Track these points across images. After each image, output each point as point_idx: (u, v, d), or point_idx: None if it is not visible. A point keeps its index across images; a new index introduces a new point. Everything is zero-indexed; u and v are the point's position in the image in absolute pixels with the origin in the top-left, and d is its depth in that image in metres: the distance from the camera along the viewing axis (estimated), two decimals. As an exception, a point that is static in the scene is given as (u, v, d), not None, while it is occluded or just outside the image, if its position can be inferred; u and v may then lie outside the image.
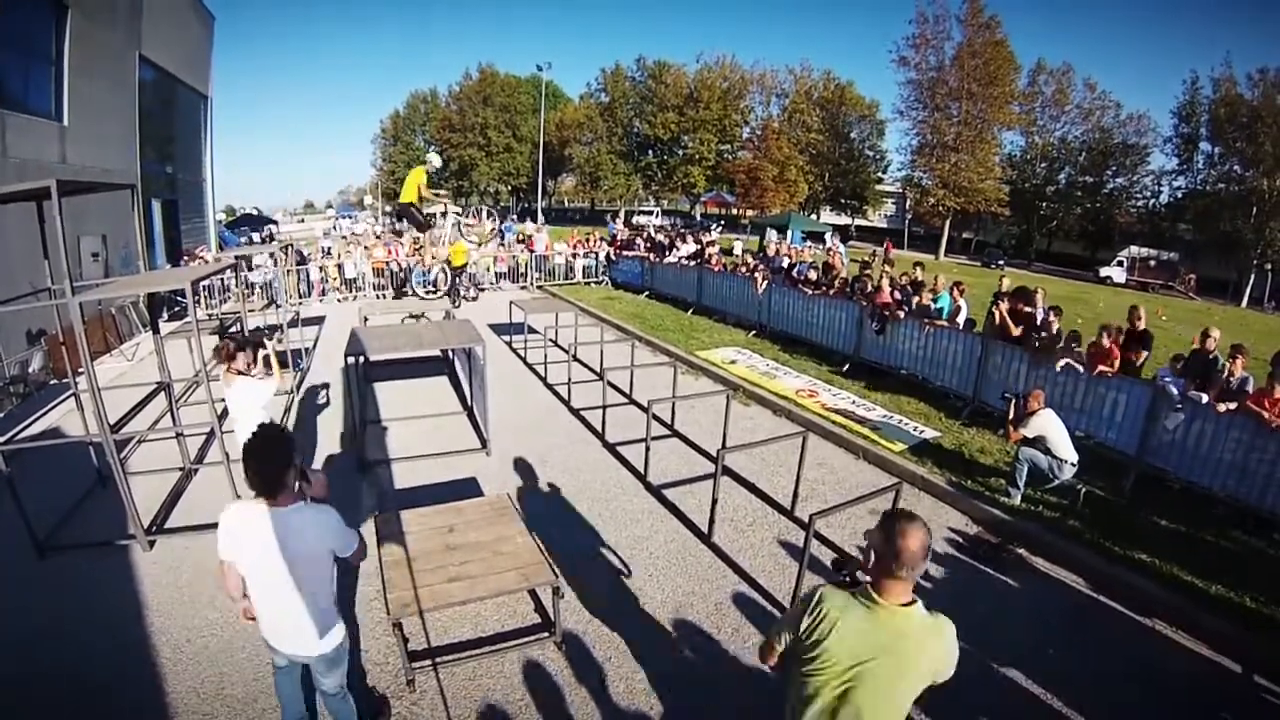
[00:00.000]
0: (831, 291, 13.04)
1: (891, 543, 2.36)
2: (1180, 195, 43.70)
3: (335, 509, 3.30)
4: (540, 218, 42.68)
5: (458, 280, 16.24)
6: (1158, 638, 5.26)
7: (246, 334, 8.96)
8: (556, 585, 4.59)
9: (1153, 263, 40.82)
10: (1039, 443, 7.11)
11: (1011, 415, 7.46)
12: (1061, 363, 8.40)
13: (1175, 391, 7.62)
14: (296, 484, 3.21)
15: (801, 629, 2.53)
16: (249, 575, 3.17)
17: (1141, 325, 9.14)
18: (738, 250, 23.94)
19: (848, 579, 2.85)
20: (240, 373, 6.24)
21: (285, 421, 9.25)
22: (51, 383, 10.78)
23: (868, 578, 2.58)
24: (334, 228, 50.73)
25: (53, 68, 13.30)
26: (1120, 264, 40.41)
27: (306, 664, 3.48)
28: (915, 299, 11.57)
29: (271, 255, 17.57)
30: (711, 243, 22.46)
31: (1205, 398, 7.44)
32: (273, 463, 3.10)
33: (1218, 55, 68.94)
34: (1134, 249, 42.16)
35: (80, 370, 5.97)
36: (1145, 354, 9.04)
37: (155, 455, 7.92)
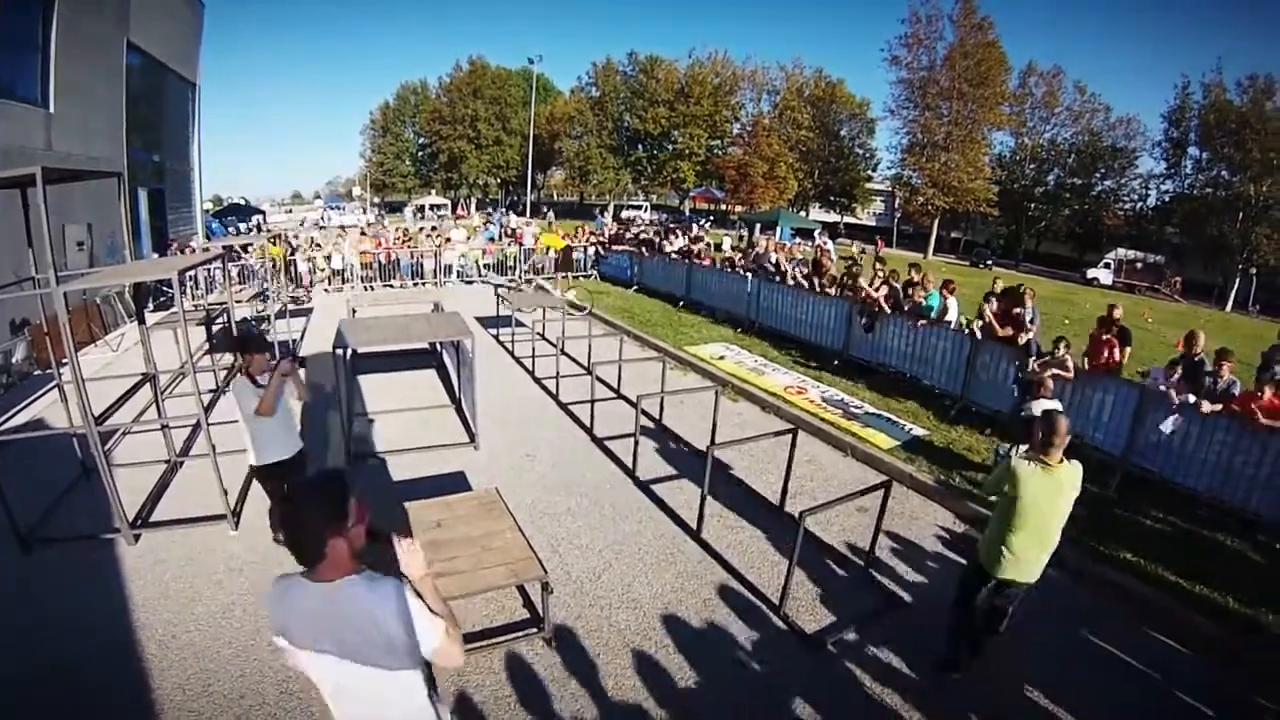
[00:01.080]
0: (823, 289, 13.02)
1: (1053, 430, 4.10)
2: (1168, 199, 43.92)
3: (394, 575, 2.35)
4: (526, 211, 42.66)
5: None
6: (1142, 636, 5.31)
7: (237, 328, 8.88)
8: (545, 581, 4.60)
9: (1139, 265, 41.08)
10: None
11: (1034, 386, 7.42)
12: (1050, 373, 8.45)
13: (1169, 393, 7.68)
14: (349, 547, 2.30)
15: (1005, 488, 4.20)
16: (310, 675, 2.37)
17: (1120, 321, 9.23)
18: (726, 246, 23.96)
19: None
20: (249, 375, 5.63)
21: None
22: (35, 373, 10.67)
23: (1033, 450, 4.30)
24: (322, 218, 50.58)
25: (39, 54, 13.17)
26: (1107, 266, 40.64)
27: None
28: (909, 299, 11.57)
29: (260, 246, 17.48)
30: (699, 238, 22.44)
31: (1191, 398, 7.49)
32: (305, 521, 2.26)
33: (1209, 60, 69.37)
34: (1121, 251, 42.39)
35: (64, 361, 5.91)
36: (1127, 349, 9.14)
37: (140, 447, 7.85)
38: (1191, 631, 5.27)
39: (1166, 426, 7.48)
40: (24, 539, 5.74)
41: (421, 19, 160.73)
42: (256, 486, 7.01)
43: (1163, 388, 7.94)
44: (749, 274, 15.07)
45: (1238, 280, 37.40)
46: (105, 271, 8.52)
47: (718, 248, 23.65)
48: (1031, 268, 44.57)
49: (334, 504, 2.25)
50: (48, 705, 4.15)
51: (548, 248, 23.05)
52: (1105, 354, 8.81)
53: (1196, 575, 5.84)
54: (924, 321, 10.55)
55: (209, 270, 16.60)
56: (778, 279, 14.38)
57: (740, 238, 32.12)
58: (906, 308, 11.22)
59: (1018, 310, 9.87)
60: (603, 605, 5.30)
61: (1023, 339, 9.35)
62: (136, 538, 5.98)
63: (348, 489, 2.29)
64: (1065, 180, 47.95)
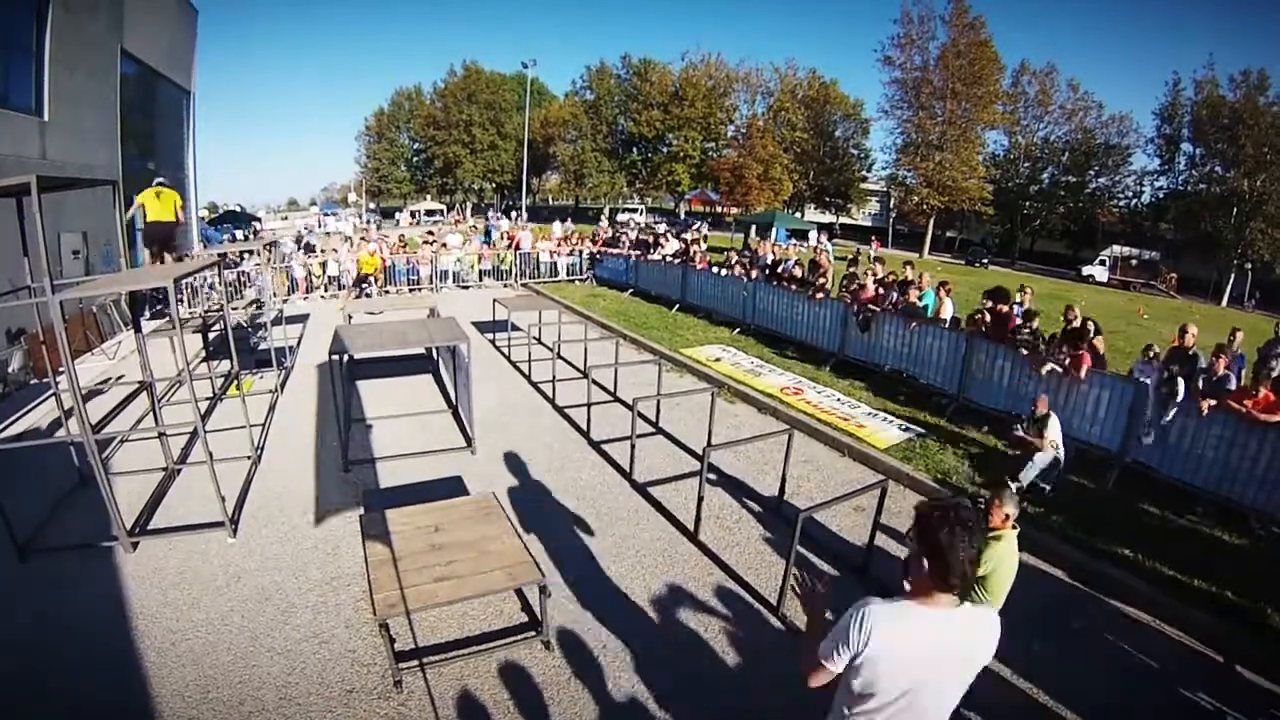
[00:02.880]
0: (819, 294, 12.97)
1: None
2: (1162, 195, 44.15)
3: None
4: (524, 214, 42.57)
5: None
6: (1139, 630, 5.33)
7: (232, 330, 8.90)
8: (543, 584, 4.61)
9: (1134, 262, 41.19)
10: (1050, 445, 7.37)
11: (1028, 430, 7.51)
12: (1047, 368, 8.48)
13: (1149, 382, 7.73)
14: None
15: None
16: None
17: (1077, 323, 9.19)
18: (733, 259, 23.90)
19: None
20: None
21: (269, 420, 9.20)
22: (32, 382, 10.65)
23: None
24: (318, 224, 50.46)
25: (33, 62, 13.15)
26: (1103, 263, 40.75)
27: None
28: (903, 297, 11.58)
29: (256, 252, 17.46)
30: (696, 241, 22.43)
31: (1182, 393, 7.51)
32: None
33: (1200, 57, 69.51)
34: (1116, 248, 42.49)
35: (61, 370, 5.91)
36: (1099, 336, 9.12)
37: (137, 455, 7.84)
38: (1190, 626, 5.30)
39: (1148, 439, 7.58)
40: (21, 548, 5.73)
41: (415, 24, 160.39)
42: (254, 494, 7.05)
43: (1146, 380, 8.00)
44: (747, 276, 15.05)
45: (1233, 275, 37.54)
46: (101, 280, 8.51)
47: (718, 250, 23.48)
48: (1027, 266, 44.68)
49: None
50: (47, 714, 4.16)
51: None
52: (1085, 365, 8.70)
53: (1194, 570, 5.86)
54: (916, 322, 10.56)
55: (204, 278, 16.59)
56: (775, 284, 14.35)
57: (745, 245, 32.09)
58: (900, 307, 11.24)
59: (1003, 309, 9.91)
60: (601, 608, 5.31)
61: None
62: (135, 545, 5.97)
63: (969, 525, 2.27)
64: (1059, 178, 48.11)
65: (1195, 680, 4.78)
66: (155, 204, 10.30)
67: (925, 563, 2.27)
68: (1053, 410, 7.59)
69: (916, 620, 2.30)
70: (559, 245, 23.58)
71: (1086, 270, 40.17)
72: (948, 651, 2.34)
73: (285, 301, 17.17)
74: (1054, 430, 7.38)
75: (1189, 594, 5.58)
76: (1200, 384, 7.80)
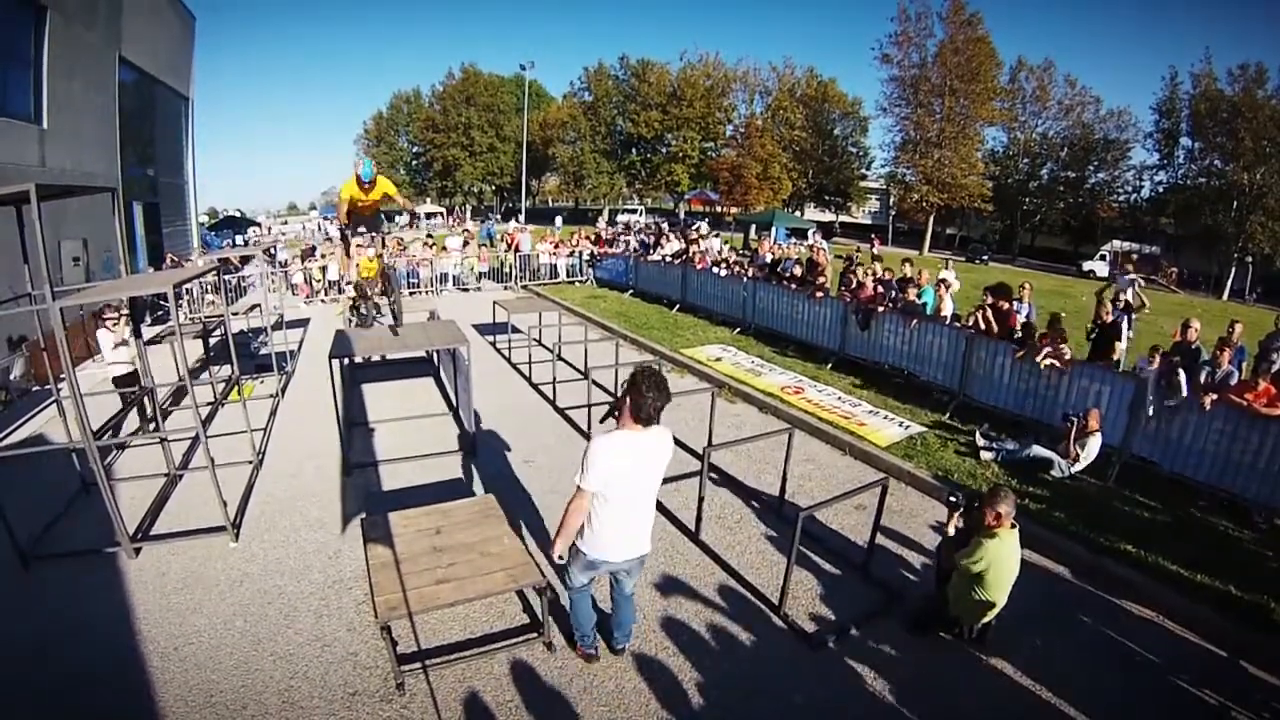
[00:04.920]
0: (819, 294, 12.97)
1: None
2: (1161, 190, 43.99)
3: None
4: (521, 217, 42.50)
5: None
6: (1142, 625, 5.33)
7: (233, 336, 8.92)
8: (544, 586, 4.61)
9: (1135, 256, 41.07)
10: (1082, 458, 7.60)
11: (1073, 435, 7.64)
12: (1046, 363, 8.49)
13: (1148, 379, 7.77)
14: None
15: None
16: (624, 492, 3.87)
17: (1109, 317, 9.28)
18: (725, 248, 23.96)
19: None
20: None
21: (270, 425, 9.22)
22: (33, 389, 10.68)
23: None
24: (317, 227, 50.44)
25: (31, 70, 13.18)
26: (1103, 258, 40.65)
27: (619, 572, 4.23)
28: (902, 296, 11.57)
29: (256, 257, 17.51)
30: (695, 240, 22.41)
31: (1185, 389, 7.52)
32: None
33: (1196, 51, 69.50)
34: (1116, 243, 42.43)
35: (62, 376, 5.92)
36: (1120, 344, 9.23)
37: (139, 461, 7.86)
38: (1192, 621, 5.29)
39: (1171, 401, 7.58)
40: (24, 555, 5.74)
41: (413, 28, 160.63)
42: (256, 498, 7.06)
43: (1143, 368, 8.04)
44: (747, 275, 15.07)
45: (1234, 269, 37.51)
46: (101, 286, 8.50)
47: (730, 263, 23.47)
48: (1027, 262, 44.68)
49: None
50: (49, 718, 4.16)
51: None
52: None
53: (1196, 565, 5.85)
54: (916, 319, 10.57)
55: (201, 283, 16.63)
56: (775, 283, 14.34)
57: (745, 244, 32.12)
58: (900, 305, 11.23)
59: (1004, 305, 9.91)
60: (603, 609, 5.31)
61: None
62: (137, 551, 5.99)
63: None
64: (1059, 174, 48.07)
65: (1199, 675, 4.77)
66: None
67: (629, 403, 3.75)
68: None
69: (624, 439, 3.81)
70: (557, 247, 23.59)
71: (1087, 265, 40.09)
72: (644, 454, 3.89)
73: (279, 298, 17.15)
74: (1094, 446, 7.60)
75: (1191, 589, 5.57)
76: (1202, 378, 7.82)
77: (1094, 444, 7.56)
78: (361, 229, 9.49)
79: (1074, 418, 7.74)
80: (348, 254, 9.71)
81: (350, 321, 12.77)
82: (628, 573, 4.27)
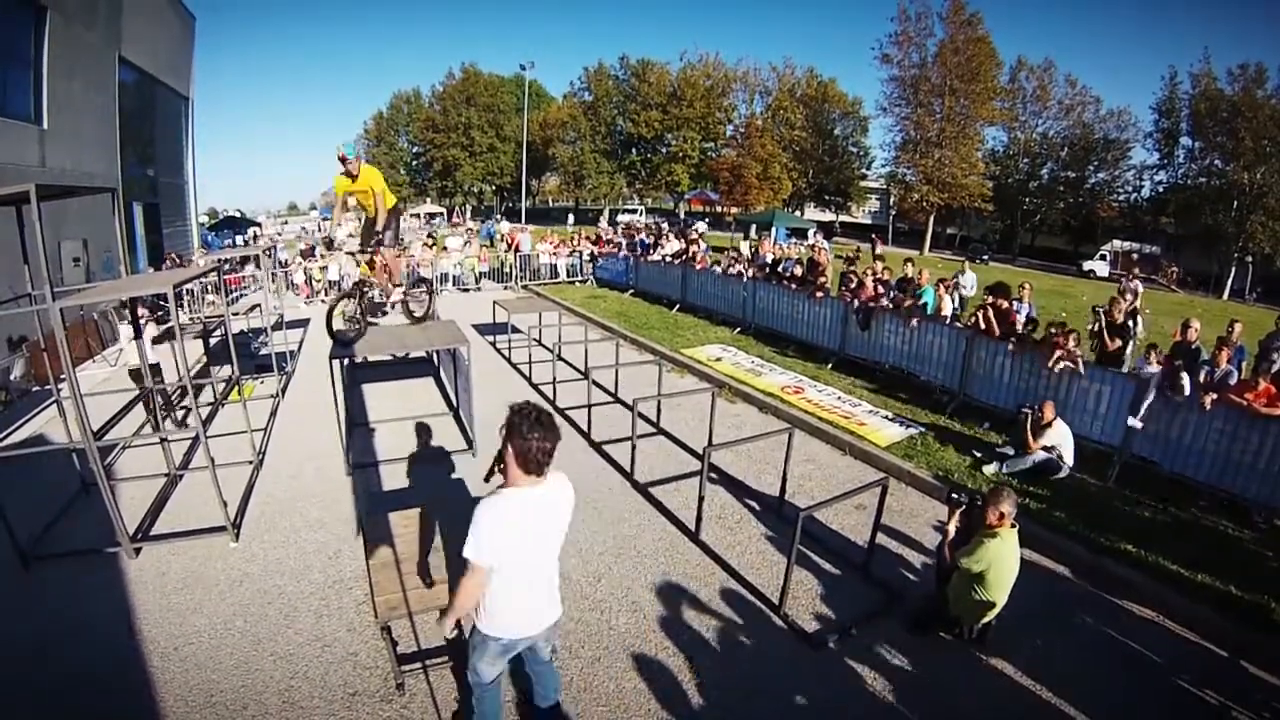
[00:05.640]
0: (819, 293, 12.95)
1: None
2: (1162, 189, 43.96)
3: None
4: (521, 217, 42.53)
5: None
6: (1142, 625, 5.33)
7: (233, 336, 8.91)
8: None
9: (1135, 256, 41.12)
10: (1051, 450, 7.51)
11: (1029, 427, 7.67)
12: (1060, 366, 8.47)
13: (1150, 378, 7.77)
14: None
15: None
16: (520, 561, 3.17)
17: (1120, 318, 9.28)
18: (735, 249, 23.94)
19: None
20: None
21: (270, 425, 9.22)
22: (34, 390, 10.68)
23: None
24: (317, 228, 50.40)
25: (31, 70, 13.20)
26: (1103, 258, 40.71)
27: (532, 643, 3.51)
28: (904, 296, 11.57)
29: (255, 258, 17.50)
30: (695, 241, 22.40)
31: (1188, 388, 7.52)
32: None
33: (1196, 51, 69.50)
34: (1117, 243, 42.48)
35: (62, 377, 5.92)
36: (1123, 344, 9.23)
37: (139, 461, 7.86)
38: (1193, 621, 5.29)
39: (1135, 423, 7.60)
40: (24, 555, 5.74)
41: (414, 28, 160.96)
42: (256, 498, 7.06)
43: (1144, 369, 8.04)
44: (747, 276, 15.09)
45: (1234, 269, 37.49)
46: (102, 286, 8.50)
47: (721, 250, 23.44)
48: (1028, 262, 44.67)
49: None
50: (49, 718, 4.17)
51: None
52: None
53: (1197, 565, 5.85)
54: (917, 319, 10.56)
55: (202, 283, 16.62)
56: (775, 283, 14.34)
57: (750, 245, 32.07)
58: (904, 304, 11.22)
59: (1004, 305, 9.91)
60: (603, 608, 5.31)
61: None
62: (137, 551, 5.99)
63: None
64: (1059, 174, 48.01)
65: (1199, 675, 4.77)
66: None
67: (511, 453, 3.02)
68: (1060, 418, 7.73)
69: (514, 501, 3.06)
70: (558, 247, 23.59)
71: (1087, 265, 40.15)
72: (541, 513, 3.15)
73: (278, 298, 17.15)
74: (1055, 438, 7.57)
75: (1192, 588, 5.57)
76: (1202, 378, 7.82)
77: (1056, 433, 7.59)
78: (385, 240, 8.33)
79: (1027, 410, 7.79)
80: (371, 266, 8.68)
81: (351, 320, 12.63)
82: (545, 640, 3.56)
